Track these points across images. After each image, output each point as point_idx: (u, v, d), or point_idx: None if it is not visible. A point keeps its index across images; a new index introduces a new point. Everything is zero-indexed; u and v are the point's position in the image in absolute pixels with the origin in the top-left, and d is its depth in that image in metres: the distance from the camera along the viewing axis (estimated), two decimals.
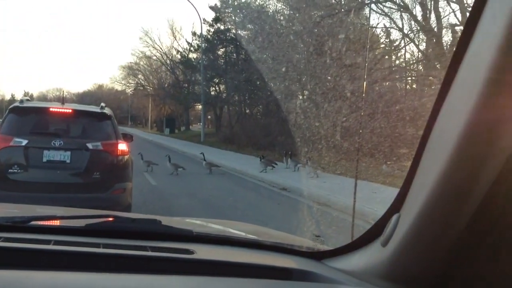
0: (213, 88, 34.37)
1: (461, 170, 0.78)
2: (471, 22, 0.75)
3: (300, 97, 17.05)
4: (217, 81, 33.06)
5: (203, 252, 1.19)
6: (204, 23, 31.48)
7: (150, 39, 46.32)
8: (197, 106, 40.06)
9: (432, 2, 16.42)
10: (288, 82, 16.10)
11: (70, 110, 5.76)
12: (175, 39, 53.87)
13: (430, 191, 0.83)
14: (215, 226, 1.76)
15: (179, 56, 39.98)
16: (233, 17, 28.68)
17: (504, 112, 0.70)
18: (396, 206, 1.03)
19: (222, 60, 31.95)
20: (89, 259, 1.10)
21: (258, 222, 5.54)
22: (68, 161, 5.37)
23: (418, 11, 17.45)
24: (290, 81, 15.99)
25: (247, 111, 30.78)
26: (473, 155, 0.76)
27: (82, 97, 60.44)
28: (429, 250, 0.90)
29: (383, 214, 1.11)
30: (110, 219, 1.31)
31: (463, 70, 0.77)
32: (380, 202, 6.01)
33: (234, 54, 30.76)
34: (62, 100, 6.26)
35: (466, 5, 14.63)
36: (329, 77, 13.66)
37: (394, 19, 18.05)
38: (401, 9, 17.33)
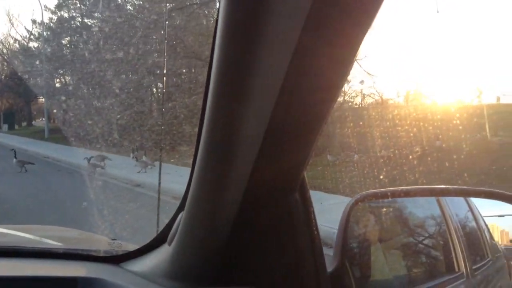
0: (58, 79, 31.86)
1: (212, 169, 0.80)
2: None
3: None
4: (62, 72, 30.71)
5: None
6: (46, 10, 29.00)
7: None
8: (40, 100, 36.85)
9: None
10: (139, 75, 15.70)
11: None
12: (13, 26, 49.01)
13: (196, 189, 0.85)
14: (19, 235, 1.60)
15: (17, 45, 36.25)
16: (79, 5, 26.93)
17: (236, 110, 0.73)
18: (183, 204, 1.04)
19: (68, 50, 29.73)
20: None
21: (101, 222, 5.30)
22: None
23: None
24: (141, 74, 15.60)
25: (98, 104, 29.14)
26: (217, 154, 0.78)
27: None
28: (204, 246, 0.92)
29: (174, 213, 1.11)
30: None
31: (212, 69, 0.79)
32: None
33: (81, 44, 28.86)
34: None
35: None
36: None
37: None
38: None
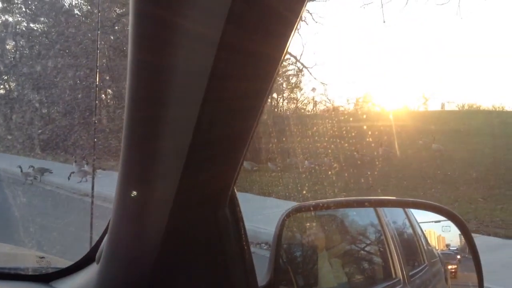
0: (2, 86, 30.53)
1: (134, 187, 0.77)
2: None
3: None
4: (6, 78, 29.47)
5: None
6: None
7: None
8: None
9: None
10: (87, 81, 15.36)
11: None
12: None
13: (118, 208, 0.81)
14: None
15: None
16: (24, 9, 25.96)
17: (155, 121, 0.69)
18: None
19: (12, 55, 28.57)
20: None
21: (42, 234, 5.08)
22: None
23: None
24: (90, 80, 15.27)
25: (44, 110, 28.14)
26: (138, 171, 0.75)
27: None
28: (130, 267, 0.89)
29: (104, 230, 1.07)
30: None
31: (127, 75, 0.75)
32: None
33: (27, 49, 27.80)
34: None
35: None
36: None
37: None
38: None
